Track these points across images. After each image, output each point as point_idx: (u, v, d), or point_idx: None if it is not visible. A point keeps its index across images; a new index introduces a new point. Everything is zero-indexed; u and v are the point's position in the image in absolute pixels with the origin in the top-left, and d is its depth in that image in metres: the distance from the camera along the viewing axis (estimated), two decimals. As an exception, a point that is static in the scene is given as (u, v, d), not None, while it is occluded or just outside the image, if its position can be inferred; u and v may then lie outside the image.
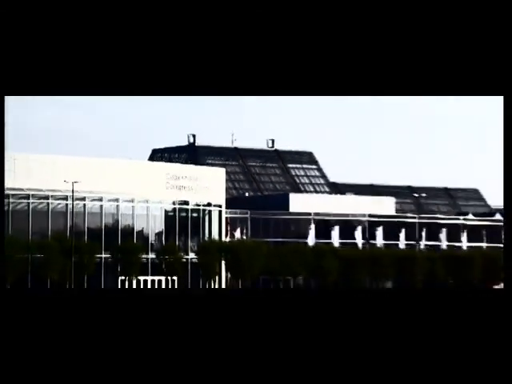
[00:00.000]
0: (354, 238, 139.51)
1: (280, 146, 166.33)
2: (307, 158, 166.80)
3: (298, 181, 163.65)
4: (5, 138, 13.20)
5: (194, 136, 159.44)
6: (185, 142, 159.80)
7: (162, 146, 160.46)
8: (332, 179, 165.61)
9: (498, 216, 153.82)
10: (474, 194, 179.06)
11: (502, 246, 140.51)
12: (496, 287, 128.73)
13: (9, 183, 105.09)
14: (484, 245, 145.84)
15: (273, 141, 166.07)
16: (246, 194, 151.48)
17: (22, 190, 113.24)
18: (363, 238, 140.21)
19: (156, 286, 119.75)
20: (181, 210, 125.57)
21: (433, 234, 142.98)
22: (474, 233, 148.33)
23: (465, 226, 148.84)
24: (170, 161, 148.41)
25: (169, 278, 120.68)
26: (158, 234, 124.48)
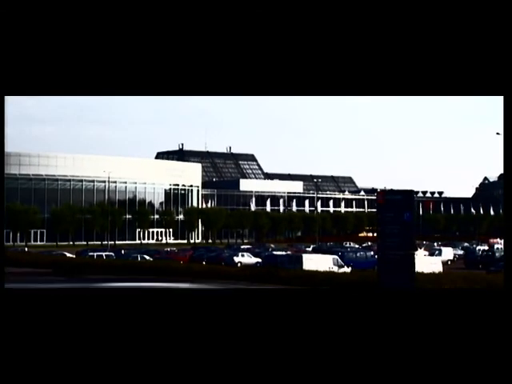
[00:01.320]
0: (279, 206, 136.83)
1: (234, 150, 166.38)
2: (250, 157, 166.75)
3: (245, 171, 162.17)
4: (4, 138, 6.89)
5: (182, 144, 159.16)
6: (176, 148, 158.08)
7: (163, 150, 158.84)
8: (266, 170, 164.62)
9: (362, 193, 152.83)
10: (349, 180, 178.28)
11: (363, 210, 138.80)
12: (360, 235, 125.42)
13: (70, 172, 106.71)
14: (354, 210, 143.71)
15: (230, 147, 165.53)
16: (214, 180, 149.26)
17: (77, 176, 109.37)
18: (284, 206, 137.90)
19: (159, 235, 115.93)
20: (174, 189, 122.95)
21: (324, 204, 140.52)
22: (348, 203, 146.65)
23: (343, 199, 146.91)
24: (168, 159, 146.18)
25: (167, 229, 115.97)
26: (161, 203, 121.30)
